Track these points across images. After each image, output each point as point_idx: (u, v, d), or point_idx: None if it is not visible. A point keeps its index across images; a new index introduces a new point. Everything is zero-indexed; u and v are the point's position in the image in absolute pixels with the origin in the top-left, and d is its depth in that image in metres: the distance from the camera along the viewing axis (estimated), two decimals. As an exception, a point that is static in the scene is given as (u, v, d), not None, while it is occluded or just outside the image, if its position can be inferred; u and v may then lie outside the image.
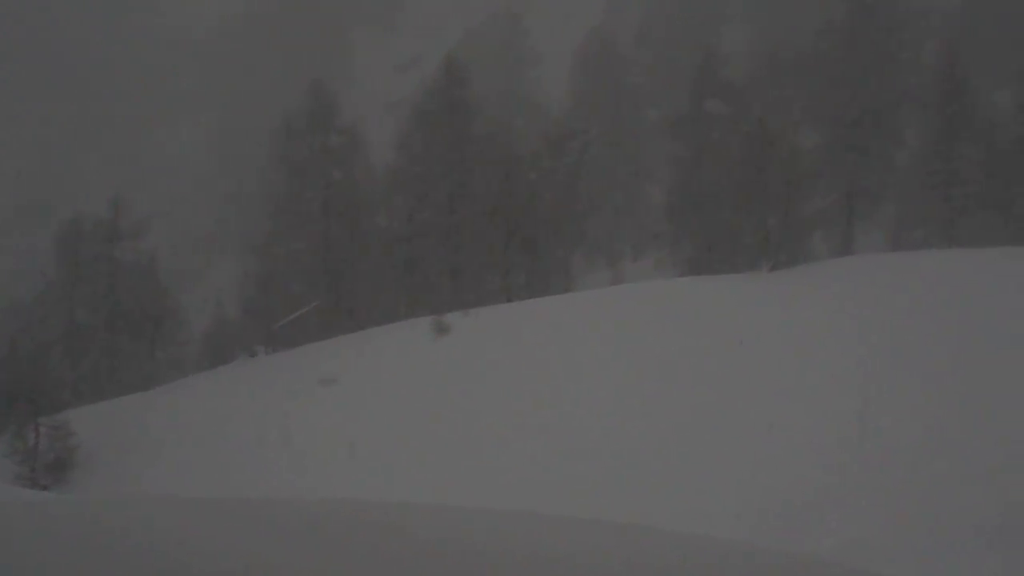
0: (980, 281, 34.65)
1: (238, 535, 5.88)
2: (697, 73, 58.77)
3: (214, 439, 33.30)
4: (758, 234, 45.69)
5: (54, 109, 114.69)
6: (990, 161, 50.95)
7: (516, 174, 52.61)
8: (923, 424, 26.29)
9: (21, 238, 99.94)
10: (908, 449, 24.98)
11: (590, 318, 37.32)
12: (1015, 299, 32.59)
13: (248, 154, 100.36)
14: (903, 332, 32.04)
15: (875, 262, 40.06)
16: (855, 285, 36.44)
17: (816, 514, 22.41)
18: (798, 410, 28.37)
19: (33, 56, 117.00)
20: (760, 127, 48.11)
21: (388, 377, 34.90)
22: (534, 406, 30.72)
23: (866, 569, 8.29)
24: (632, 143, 75.72)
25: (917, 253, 43.16)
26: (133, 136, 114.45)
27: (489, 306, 43.72)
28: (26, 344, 43.80)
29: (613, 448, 27.36)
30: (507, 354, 35.08)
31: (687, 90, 59.03)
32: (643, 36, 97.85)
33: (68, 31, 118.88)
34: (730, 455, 26.02)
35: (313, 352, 40.85)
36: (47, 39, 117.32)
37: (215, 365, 47.41)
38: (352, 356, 37.45)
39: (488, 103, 74.19)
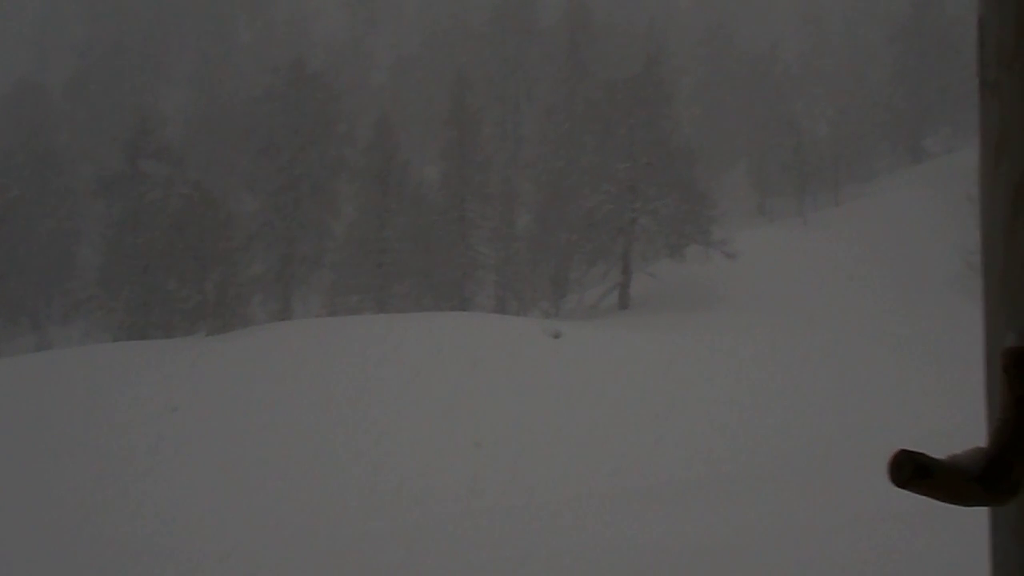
0: (399, 340, 36.47)
1: None
2: (133, 132, 56.89)
3: None
4: (195, 298, 44.76)
5: None
6: (419, 232, 53.85)
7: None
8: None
9: None
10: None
11: (5, 388, 34.37)
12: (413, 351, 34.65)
13: None
14: (331, 390, 32.65)
15: (310, 326, 40.58)
16: (291, 348, 36.63)
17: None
18: (241, 477, 27.75)
19: None
20: (198, 190, 47.36)
21: None
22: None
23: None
24: (61, 202, 71.69)
25: (350, 318, 44.34)
26: None
27: None
28: None
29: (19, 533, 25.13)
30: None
31: (122, 149, 56.91)
32: (76, 90, 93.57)
33: None
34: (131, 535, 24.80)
35: None
36: None
37: None
38: None
39: None
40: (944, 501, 1.18)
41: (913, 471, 1.14)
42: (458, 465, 28.01)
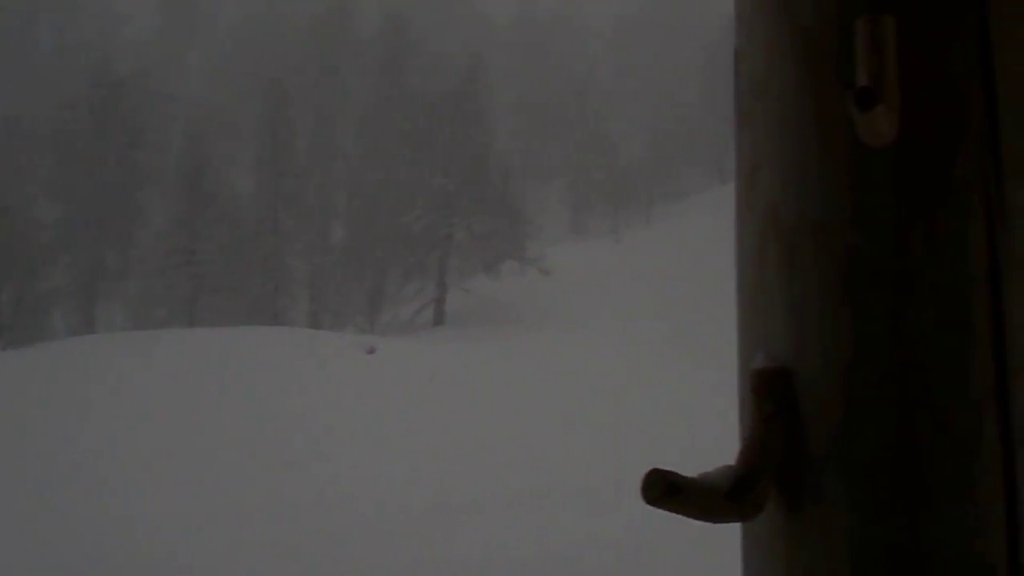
0: (209, 358, 35.71)
1: None
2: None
3: None
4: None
5: None
6: (231, 244, 52.81)
7: None
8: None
9: None
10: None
11: None
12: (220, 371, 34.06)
13: None
14: (147, 405, 31.70)
15: (114, 340, 39.29)
16: (91, 363, 35.37)
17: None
18: (26, 496, 26.64)
19: None
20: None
21: None
22: None
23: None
24: None
25: (157, 332, 43.14)
26: None
27: None
28: None
29: None
30: None
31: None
32: None
33: None
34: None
35: None
36: None
37: None
38: None
39: None
40: (695, 518, 1.22)
41: (664, 489, 1.17)
42: (264, 484, 27.52)
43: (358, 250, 56.16)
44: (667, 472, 1.18)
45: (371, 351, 37.95)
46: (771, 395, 1.24)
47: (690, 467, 1.34)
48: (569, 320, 48.20)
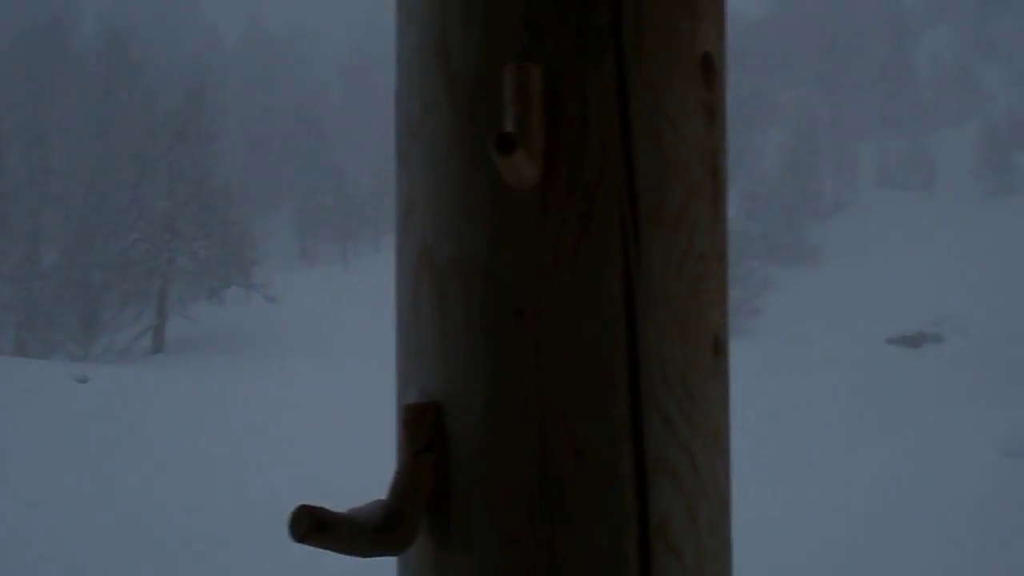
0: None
1: None
2: None
3: None
4: None
5: None
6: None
7: None
8: None
9: None
10: None
11: None
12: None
13: None
14: None
15: None
16: None
17: None
18: None
19: None
20: None
21: None
22: None
23: None
24: None
25: None
26: None
27: None
28: None
29: None
30: None
31: None
32: None
33: None
34: None
35: None
36: None
37: None
38: None
39: None
40: (345, 553, 1.23)
41: (311, 526, 1.17)
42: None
43: (72, 274, 53.59)
44: (314, 508, 1.18)
45: (83, 380, 36.27)
46: (422, 430, 1.26)
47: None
48: (295, 347, 47.60)
